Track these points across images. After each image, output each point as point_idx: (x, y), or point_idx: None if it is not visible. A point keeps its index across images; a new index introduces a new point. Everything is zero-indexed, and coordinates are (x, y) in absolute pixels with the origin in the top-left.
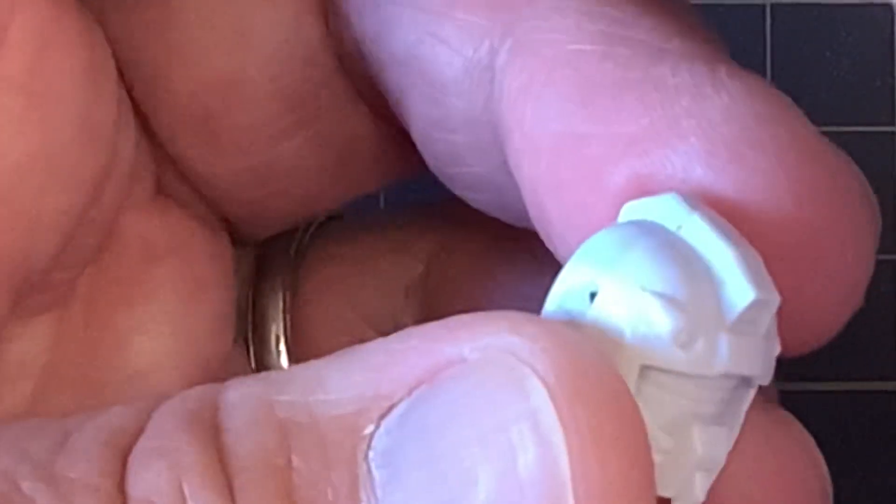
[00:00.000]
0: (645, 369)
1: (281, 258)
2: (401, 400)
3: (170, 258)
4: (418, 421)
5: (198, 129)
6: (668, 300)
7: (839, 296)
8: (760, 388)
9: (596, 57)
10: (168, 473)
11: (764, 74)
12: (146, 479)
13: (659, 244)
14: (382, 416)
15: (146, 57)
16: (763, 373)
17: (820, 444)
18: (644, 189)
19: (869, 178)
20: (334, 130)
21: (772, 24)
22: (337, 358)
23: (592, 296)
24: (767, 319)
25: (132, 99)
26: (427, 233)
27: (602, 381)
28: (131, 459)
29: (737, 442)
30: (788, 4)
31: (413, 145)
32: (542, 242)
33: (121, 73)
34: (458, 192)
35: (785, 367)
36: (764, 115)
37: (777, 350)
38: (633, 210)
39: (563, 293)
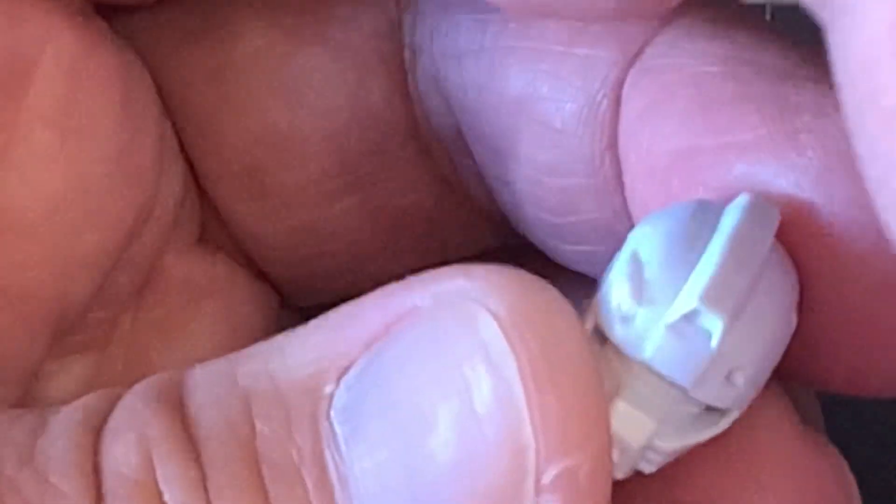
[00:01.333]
0: (601, 334)
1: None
2: (358, 356)
3: (210, 300)
4: (375, 373)
5: (246, 182)
6: (638, 269)
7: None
8: (804, 413)
9: (719, 77)
10: (137, 445)
11: None
12: (117, 451)
13: (683, 225)
14: (342, 375)
15: (200, 104)
16: (704, 390)
17: None
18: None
19: None
20: (388, 198)
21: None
22: (298, 327)
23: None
24: (716, 338)
25: (182, 145)
26: None
27: (552, 310)
28: (104, 435)
29: (778, 458)
30: (788, 5)
31: (474, 220)
32: None
33: (173, 117)
34: (560, 245)
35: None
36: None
37: (748, 385)
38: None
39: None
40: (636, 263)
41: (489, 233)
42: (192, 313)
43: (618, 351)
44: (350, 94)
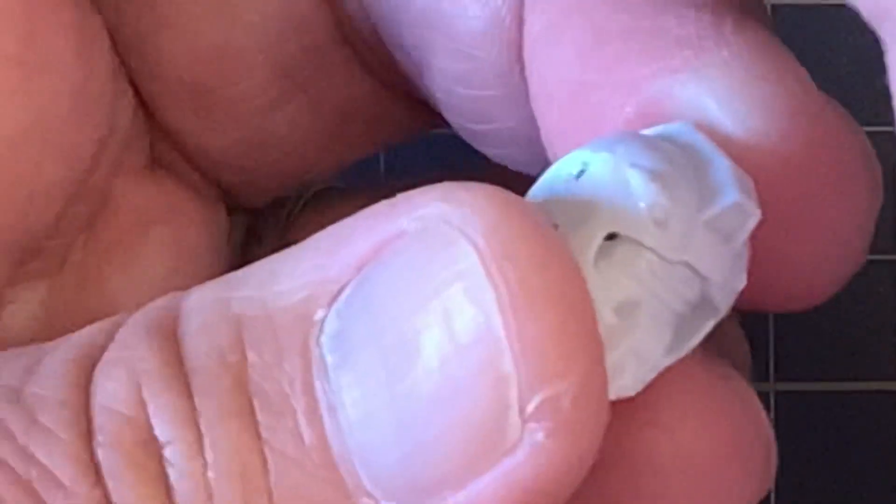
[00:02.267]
0: (613, 245)
1: (272, 226)
2: (349, 281)
3: (161, 225)
4: (364, 299)
5: (189, 99)
6: (655, 176)
7: (834, 250)
8: (727, 352)
9: (609, 4)
10: (127, 380)
11: None
12: (108, 388)
13: (654, 141)
14: (332, 300)
15: (138, 29)
16: (722, 286)
17: (820, 445)
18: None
19: None
20: (328, 97)
21: (772, 25)
22: (291, 249)
23: (580, 175)
24: (744, 233)
25: (126, 70)
26: None
27: (534, 235)
28: (96, 372)
29: (678, 394)
30: (788, 5)
31: (411, 108)
32: None
33: (115, 45)
34: (483, 149)
35: (786, 367)
36: (761, 73)
37: (742, 284)
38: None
39: (550, 175)
40: (648, 171)
41: (430, 119)
42: (142, 238)
43: (640, 257)
44: (279, 2)
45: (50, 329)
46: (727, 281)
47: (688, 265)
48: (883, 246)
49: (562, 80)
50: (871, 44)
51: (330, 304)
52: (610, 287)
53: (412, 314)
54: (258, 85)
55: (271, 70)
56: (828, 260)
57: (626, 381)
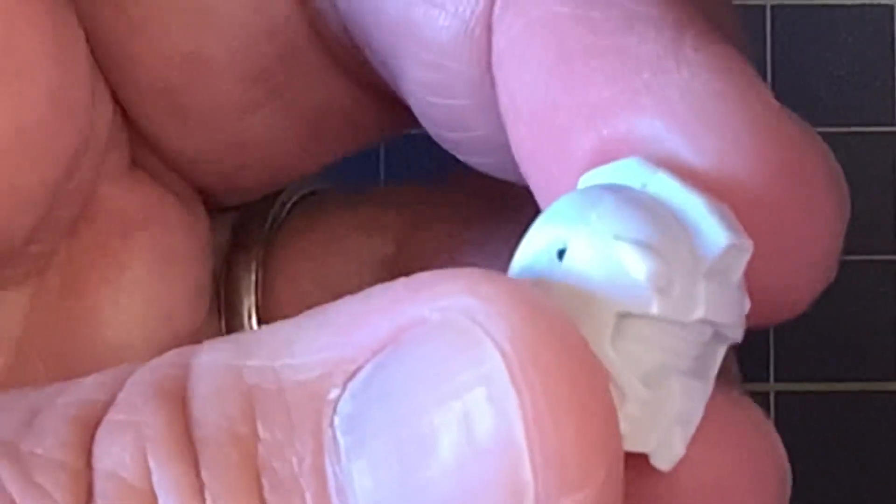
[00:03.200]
0: (621, 322)
1: (256, 230)
2: (365, 363)
3: (144, 230)
4: (381, 384)
5: (163, 104)
6: (644, 245)
7: (804, 268)
8: (723, 372)
9: (572, 21)
10: (133, 447)
11: (764, 75)
12: (112, 452)
13: (626, 198)
14: (348, 380)
15: (112, 34)
16: (735, 324)
17: (820, 445)
18: (607, 158)
19: (869, 178)
20: (304, 100)
21: (772, 25)
22: (306, 318)
23: (561, 254)
24: (740, 268)
25: (103, 73)
26: (400, 211)
27: (559, 342)
28: (99, 433)
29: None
30: (788, 5)
31: (388, 108)
32: (513, 225)
33: (92, 49)
34: (461, 157)
35: (786, 367)
36: (721, 93)
37: (747, 305)
38: (595, 176)
39: (529, 255)
40: (633, 242)
41: (407, 118)
42: (125, 243)
43: (654, 328)
44: (251, 7)
45: (34, 334)
46: (737, 315)
47: (702, 321)
48: (883, 246)
49: (527, 97)
50: (871, 44)
51: (345, 384)
52: (632, 364)
53: (431, 410)
54: (231, 89)
55: (244, 75)
56: (800, 279)
57: (677, 450)
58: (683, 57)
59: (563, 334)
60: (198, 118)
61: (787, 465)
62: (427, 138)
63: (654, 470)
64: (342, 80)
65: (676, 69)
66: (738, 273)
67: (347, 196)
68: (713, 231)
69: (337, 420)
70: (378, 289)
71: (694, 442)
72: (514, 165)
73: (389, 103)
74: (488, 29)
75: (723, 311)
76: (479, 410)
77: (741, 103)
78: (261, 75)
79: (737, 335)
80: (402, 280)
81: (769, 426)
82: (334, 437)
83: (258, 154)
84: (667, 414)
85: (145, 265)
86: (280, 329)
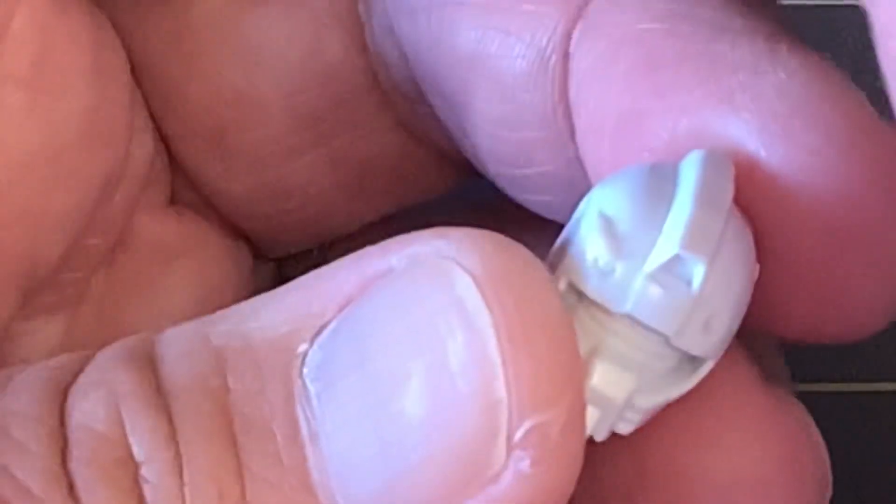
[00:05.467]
0: (575, 294)
1: (301, 266)
2: (333, 317)
3: (183, 260)
4: (349, 331)
5: (210, 142)
6: (609, 225)
7: (884, 283)
8: (768, 369)
9: (660, 34)
10: (106, 401)
11: None
12: (85, 407)
13: (645, 182)
14: (316, 335)
15: (162, 67)
16: (685, 338)
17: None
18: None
19: None
20: (353, 150)
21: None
22: (273, 291)
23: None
24: (698, 282)
25: (149, 108)
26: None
27: (527, 270)
28: (72, 391)
29: (740, 418)
30: (789, 5)
31: (438, 165)
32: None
33: (138, 81)
34: (521, 196)
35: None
36: (819, 93)
37: (724, 333)
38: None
39: (574, 219)
40: (606, 220)
41: (454, 177)
42: (164, 272)
43: (594, 308)
44: (306, 50)
45: None
46: (689, 329)
47: (629, 317)
48: None
49: (613, 110)
50: (871, 44)
51: (313, 339)
52: (578, 330)
53: (402, 340)
54: (279, 132)
55: (292, 117)
56: (879, 290)
57: (587, 430)
58: (780, 60)
59: (533, 266)
60: (241, 158)
61: (828, 469)
62: None
63: (694, 460)
64: (395, 133)
65: (773, 71)
66: (692, 288)
67: (393, 218)
68: (672, 237)
69: (306, 370)
70: (346, 256)
71: (732, 435)
72: (573, 204)
73: (440, 160)
74: (565, 56)
75: (659, 316)
76: (452, 331)
77: (839, 105)
78: (311, 120)
79: (708, 356)
80: (372, 245)
81: (812, 428)
82: (304, 385)
83: (300, 201)
84: (585, 391)
85: (186, 294)
86: (249, 301)
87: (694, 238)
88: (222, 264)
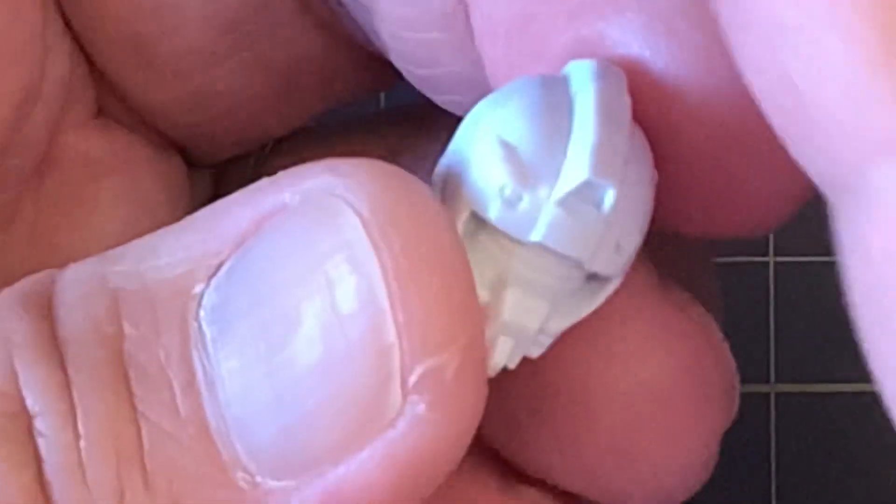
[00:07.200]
0: (476, 222)
1: (238, 176)
2: (229, 256)
3: (113, 176)
4: (243, 272)
5: (131, 54)
6: (511, 152)
7: (777, 176)
8: (701, 295)
9: None
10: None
11: None
12: None
13: (539, 102)
14: (212, 274)
15: None
16: (602, 262)
17: (820, 445)
18: (579, 58)
19: None
20: (275, 53)
21: None
22: (172, 226)
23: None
24: (609, 206)
25: (68, 23)
26: (376, 141)
27: (418, 206)
28: None
29: (635, 325)
30: None
31: (363, 64)
32: None
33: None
34: (431, 95)
35: (786, 368)
36: None
37: (632, 251)
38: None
39: (459, 135)
40: (507, 147)
41: (379, 77)
42: (93, 190)
43: (500, 236)
44: None
45: (2, 284)
46: (601, 252)
47: (541, 245)
48: None
49: (503, 13)
50: None
51: (209, 279)
52: (481, 260)
53: (293, 284)
54: (199, 38)
55: (213, 23)
56: (771, 181)
57: (498, 359)
58: None
59: (424, 201)
60: (164, 67)
61: (736, 378)
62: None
63: (590, 371)
64: (318, 33)
65: None
66: (603, 213)
67: (327, 129)
68: (580, 163)
69: (202, 313)
70: (241, 189)
71: (630, 342)
72: None
73: (364, 59)
74: None
75: (570, 242)
76: (340, 276)
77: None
78: (230, 24)
79: (612, 275)
80: (266, 178)
81: (714, 330)
82: (200, 328)
83: (227, 108)
84: (494, 322)
85: (118, 212)
86: (147, 238)
87: (602, 162)
88: (154, 178)
